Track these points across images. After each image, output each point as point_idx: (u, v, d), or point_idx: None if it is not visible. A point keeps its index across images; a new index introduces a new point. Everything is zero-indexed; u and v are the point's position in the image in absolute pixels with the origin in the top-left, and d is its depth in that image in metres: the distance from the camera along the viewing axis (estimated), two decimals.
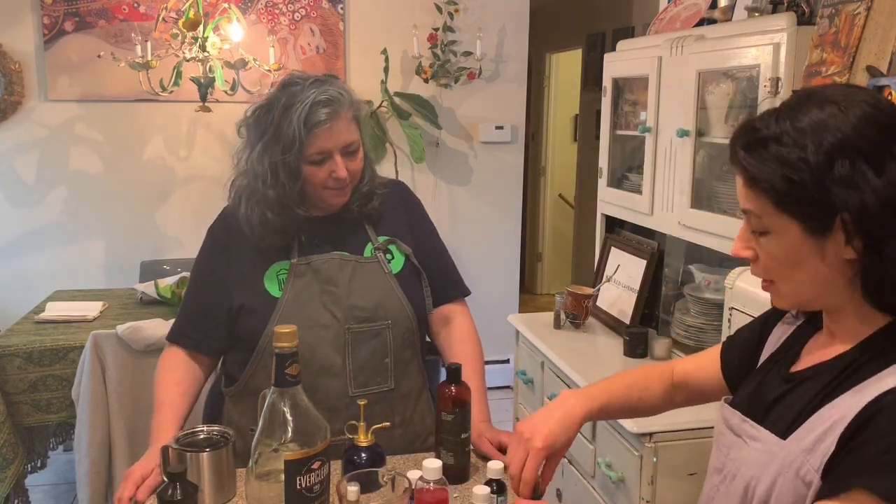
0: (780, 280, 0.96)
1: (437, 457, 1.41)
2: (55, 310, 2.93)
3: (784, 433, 0.94)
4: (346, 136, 1.52)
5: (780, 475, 0.92)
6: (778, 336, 1.12)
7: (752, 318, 1.65)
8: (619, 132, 2.71)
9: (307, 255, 1.58)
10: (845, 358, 0.94)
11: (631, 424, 1.86)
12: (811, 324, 1.06)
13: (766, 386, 1.04)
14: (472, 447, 1.47)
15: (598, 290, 2.64)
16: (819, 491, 0.88)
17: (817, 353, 1.00)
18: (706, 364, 1.26)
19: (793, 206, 0.89)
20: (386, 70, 3.91)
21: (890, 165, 0.86)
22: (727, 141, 2.13)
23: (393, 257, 1.64)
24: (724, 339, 1.80)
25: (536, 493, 1.16)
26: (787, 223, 0.91)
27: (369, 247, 1.63)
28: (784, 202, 0.90)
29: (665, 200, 2.28)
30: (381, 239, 1.64)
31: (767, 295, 1.56)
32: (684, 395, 1.29)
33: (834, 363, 0.95)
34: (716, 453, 1.10)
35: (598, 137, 2.90)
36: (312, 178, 1.53)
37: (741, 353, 1.18)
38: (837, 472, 0.87)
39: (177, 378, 1.59)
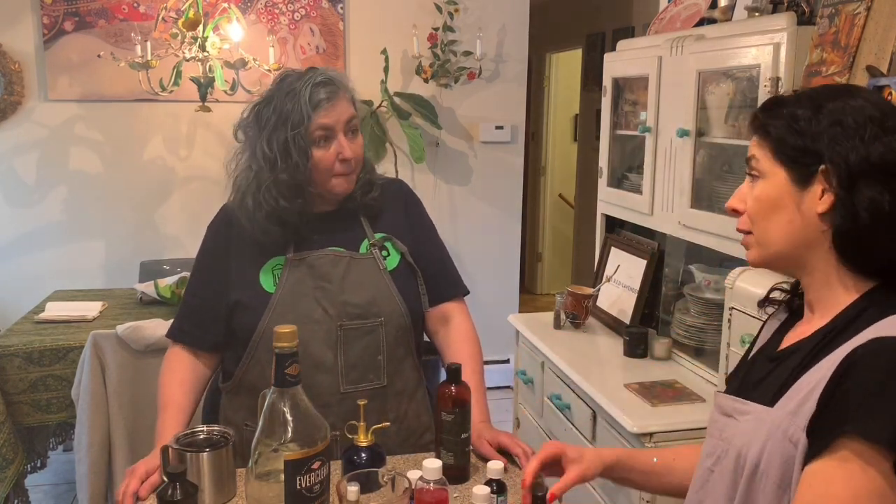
0: (757, 224, 1.04)
1: (437, 457, 1.41)
2: (55, 310, 2.94)
3: (770, 402, 0.99)
4: (348, 113, 1.55)
5: (769, 439, 0.96)
6: (765, 334, 1.16)
7: (751, 318, 1.65)
8: (619, 132, 2.70)
9: (302, 251, 1.58)
10: (823, 330, 1.00)
11: (630, 424, 1.86)
12: (793, 317, 1.12)
13: (754, 370, 1.10)
14: (472, 447, 1.48)
15: (598, 290, 2.64)
16: (806, 453, 0.91)
17: (799, 332, 1.06)
18: None
19: (786, 153, 1.00)
20: (386, 70, 3.91)
21: (874, 143, 0.96)
22: (727, 141, 2.14)
23: (389, 254, 1.64)
24: (723, 338, 1.80)
25: (541, 500, 1.14)
26: (778, 170, 1.01)
27: (365, 243, 1.63)
28: (780, 149, 1.01)
29: (665, 200, 2.28)
30: (378, 236, 1.64)
31: None
32: None
33: (813, 336, 1.01)
34: (707, 440, 1.12)
35: (598, 137, 2.90)
36: (319, 163, 1.54)
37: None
38: (821, 430, 0.89)
39: (180, 377, 1.59)
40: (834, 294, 1.01)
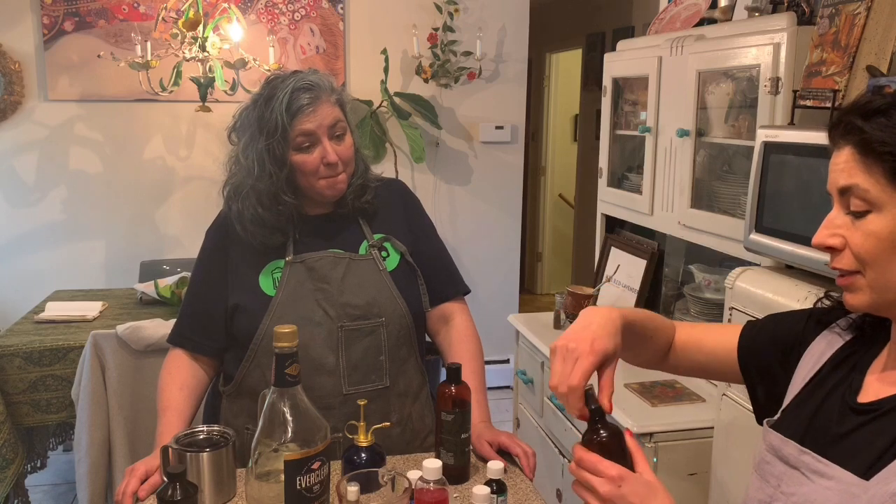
0: (874, 267, 0.85)
1: (437, 457, 1.41)
2: (55, 310, 2.93)
3: (865, 473, 0.84)
4: (331, 118, 1.53)
5: None
6: (822, 348, 1.01)
7: (752, 318, 1.65)
8: (619, 132, 2.71)
9: (301, 253, 1.58)
10: None
11: (631, 424, 1.86)
12: (863, 342, 0.97)
13: (828, 415, 0.93)
14: (471, 448, 1.47)
15: (598, 290, 2.64)
16: None
17: (891, 379, 0.90)
18: (719, 339, 1.15)
19: None
20: (386, 70, 3.91)
21: None
22: (727, 141, 2.13)
23: (388, 255, 1.64)
24: None
25: (599, 412, 0.94)
26: None
27: (364, 244, 1.63)
28: None
29: (665, 200, 2.28)
30: (377, 236, 1.64)
31: (767, 295, 1.54)
32: (684, 361, 1.18)
33: None
34: (759, 484, 0.98)
35: (598, 137, 2.90)
36: (304, 166, 1.53)
37: (772, 344, 1.08)
38: None
39: (180, 382, 1.59)
40: None
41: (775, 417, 1.01)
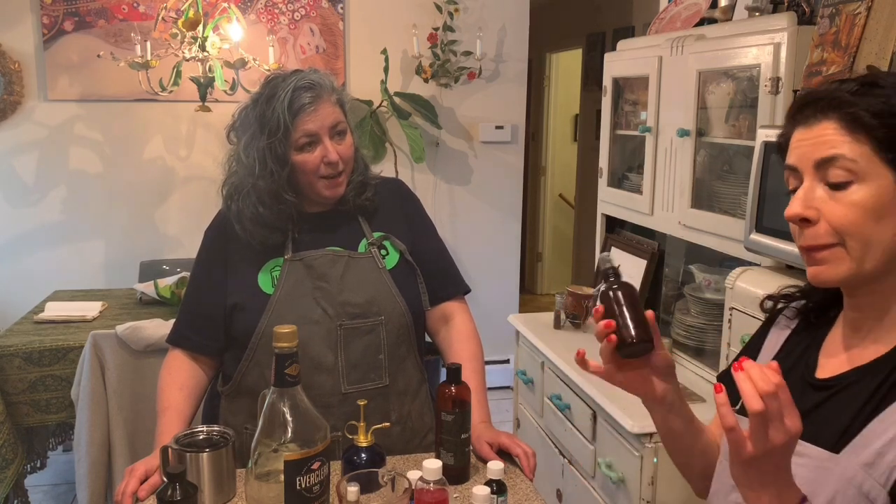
0: (856, 237, 0.85)
1: (437, 457, 1.41)
2: (55, 310, 2.93)
3: (834, 446, 0.86)
4: (332, 117, 1.54)
5: (838, 493, 0.84)
6: (774, 342, 1.04)
7: (751, 318, 1.65)
8: (619, 132, 2.70)
9: (300, 251, 1.58)
10: (890, 360, 0.87)
11: (631, 424, 1.86)
12: (808, 325, 1.01)
13: (793, 395, 0.95)
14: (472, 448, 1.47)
15: (599, 290, 2.64)
16: None
17: (845, 354, 0.92)
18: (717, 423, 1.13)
19: (894, 151, 0.84)
20: (386, 70, 3.91)
21: None
22: (728, 141, 2.13)
23: (387, 253, 1.64)
24: (723, 339, 1.80)
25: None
26: (882, 171, 0.84)
27: (364, 242, 1.63)
28: (885, 145, 0.84)
29: (665, 200, 2.28)
30: (376, 234, 1.64)
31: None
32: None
33: (876, 366, 0.88)
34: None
35: (598, 137, 2.90)
36: (304, 165, 1.53)
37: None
38: None
39: (180, 382, 1.59)
40: None
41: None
